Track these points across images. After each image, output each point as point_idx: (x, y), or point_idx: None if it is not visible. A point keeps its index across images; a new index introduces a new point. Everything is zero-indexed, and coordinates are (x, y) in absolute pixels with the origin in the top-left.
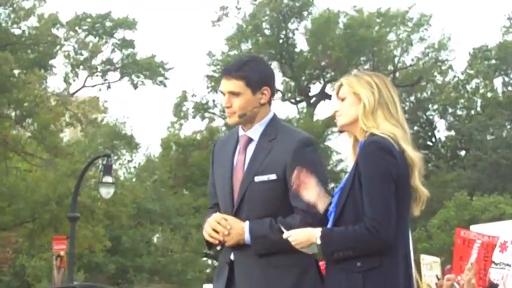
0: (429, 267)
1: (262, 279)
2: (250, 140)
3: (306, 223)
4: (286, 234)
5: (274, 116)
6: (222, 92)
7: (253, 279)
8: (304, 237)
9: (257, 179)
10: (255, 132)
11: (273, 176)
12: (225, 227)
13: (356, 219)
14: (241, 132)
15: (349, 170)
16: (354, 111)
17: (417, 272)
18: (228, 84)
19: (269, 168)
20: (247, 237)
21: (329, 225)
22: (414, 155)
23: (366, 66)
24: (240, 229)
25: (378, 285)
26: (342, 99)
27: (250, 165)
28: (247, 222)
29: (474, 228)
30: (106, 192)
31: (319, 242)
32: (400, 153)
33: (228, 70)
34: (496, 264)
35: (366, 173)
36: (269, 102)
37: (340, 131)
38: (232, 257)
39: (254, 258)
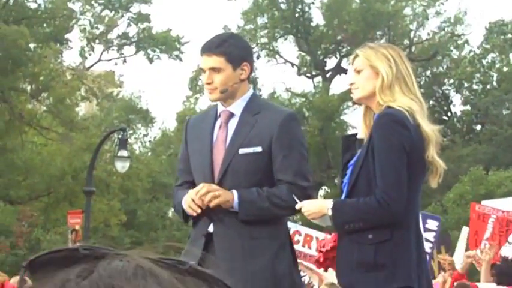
0: None
1: (243, 250)
2: (231, 115)
3: (294, 194)
4: (299, 204)
5: (255, 92)
6: (202, 69)
7: (234, 250)
8: (316, 207)
9: (242, 151)
10: (237, 107)
11: (259, 149)
12: (216, 190)
13: (369, 191)
14: (221, 107)
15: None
16: (371, 84)
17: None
18: (209, 61)
19: (254, 141)
20: (236, 202)
21: (342, 197)
22: (430, 129)
23: (382, 41)
24: (230, 194)
25: (389, 257)
26: (358, 72)
27: (233, 138)
28: (234, 190)
29: (486, 203)
30: (121, 166)
31: (330, 213)
32: (415, 126)
33: (208, 47)
34: (511, 243)
35: (379, 145)
36: (248, 79)
37: (356, 103)
38: (211, 229)
39: (235, 229)
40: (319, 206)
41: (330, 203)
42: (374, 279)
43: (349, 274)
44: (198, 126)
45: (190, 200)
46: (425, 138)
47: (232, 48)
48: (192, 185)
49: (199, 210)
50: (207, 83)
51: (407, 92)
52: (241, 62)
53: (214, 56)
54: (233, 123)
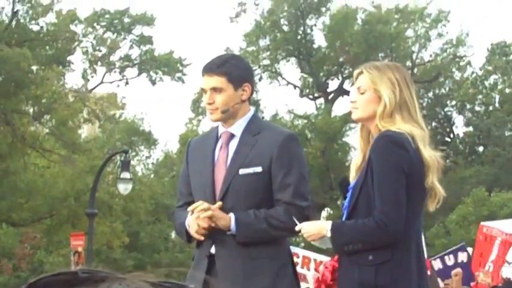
0: None
1: (244, 271)
2: (232, 136)
3: (290, 214)
4: (299, 226)
5: (256, 113)
6: (203, 90)
7: (235, 270)
8: (315, 229)
9: (242, 171)
10: (238, 128)
11: (259, 169)
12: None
13: (368, 214)
14: (221, 129)
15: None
16: (372, 108)
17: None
18: (211, 81)
19: (254, 161)
20: (233, 225)
21: (343, 219)
22: (430, 155)
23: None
24: (227, 217)
25: (390, 279)
26: (362, 93)
27: (234, 159)
28: (232, 213)
29: (488, 224)
30: (124, 188)
31: (329, 234)
32: (415, 149)
33: (209, 67)
34: (510, 263)
35: (377, 166)
36: (249, 100)
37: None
38: (213, 250)
39: (236, 250)
40: (318, 227)
41: (329, 224)
42: None
43: None
44: (199, 147)
45: (196, 227)
46: (425, 163)
47: (233, 69)
48: None
49: (206, 232)
50: (208, 103)
51: (409, 120)
52: (243, 83)
53: (215, 76)
54: (234, 144)
